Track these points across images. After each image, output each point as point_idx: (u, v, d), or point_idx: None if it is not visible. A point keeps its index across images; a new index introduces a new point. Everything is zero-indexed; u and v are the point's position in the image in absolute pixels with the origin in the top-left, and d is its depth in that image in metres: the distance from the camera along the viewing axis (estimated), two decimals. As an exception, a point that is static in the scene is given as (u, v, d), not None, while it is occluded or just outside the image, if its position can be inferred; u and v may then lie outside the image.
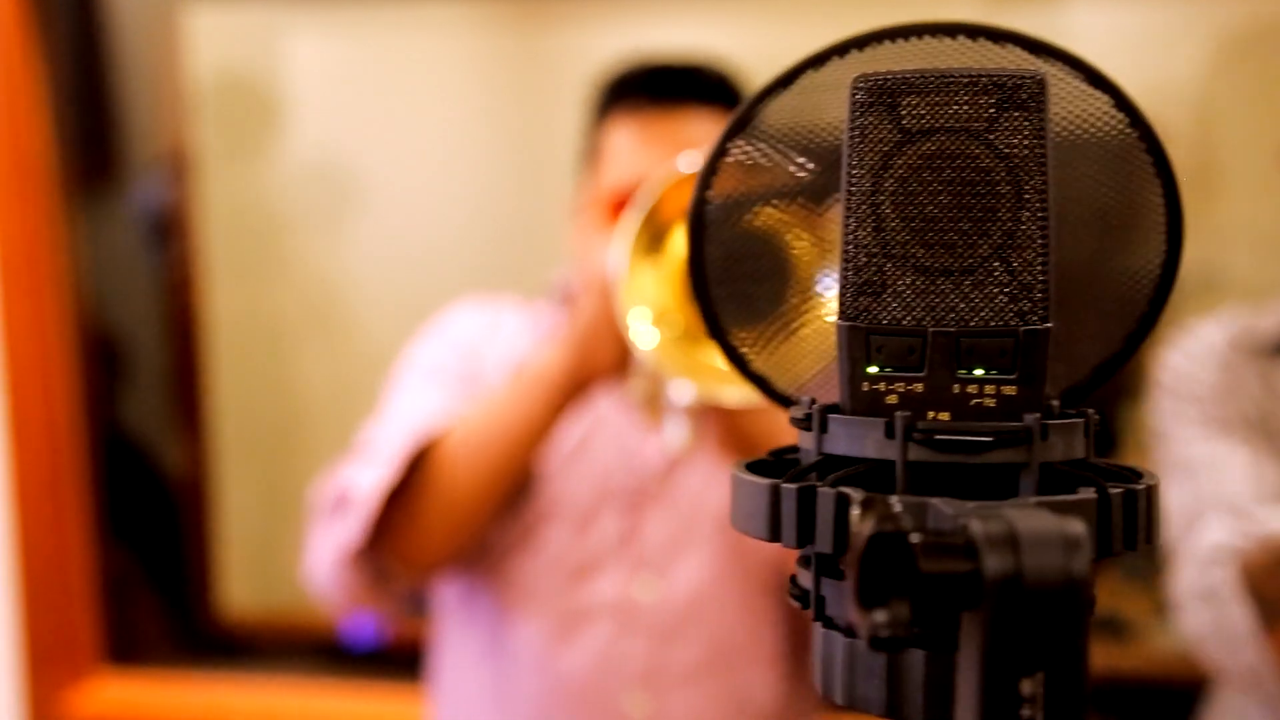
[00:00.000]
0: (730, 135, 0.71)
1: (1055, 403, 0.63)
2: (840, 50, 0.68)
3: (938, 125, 0.60)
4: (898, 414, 0.58)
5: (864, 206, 0.60)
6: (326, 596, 1.70)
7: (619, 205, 1.58)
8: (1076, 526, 0.47)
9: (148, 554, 3.20)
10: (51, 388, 2.72)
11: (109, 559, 2.93)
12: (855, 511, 0.50)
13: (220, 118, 3.03)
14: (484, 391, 1.67)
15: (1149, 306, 0.69)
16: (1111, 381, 0.70)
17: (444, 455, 1.58)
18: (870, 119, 0.60)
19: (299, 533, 1.73)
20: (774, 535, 0.60)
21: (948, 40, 0.67)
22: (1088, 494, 0.58)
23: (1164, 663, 2.46)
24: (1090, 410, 0.62)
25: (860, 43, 0.68)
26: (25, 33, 2.68)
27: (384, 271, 2.98)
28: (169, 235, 3.07)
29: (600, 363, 1.50)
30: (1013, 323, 0.59)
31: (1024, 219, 0.59)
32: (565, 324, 1.63)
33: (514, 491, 1.64)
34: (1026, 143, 0.59)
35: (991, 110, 0.60)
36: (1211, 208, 2.38)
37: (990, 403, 0.59)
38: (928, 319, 0.60)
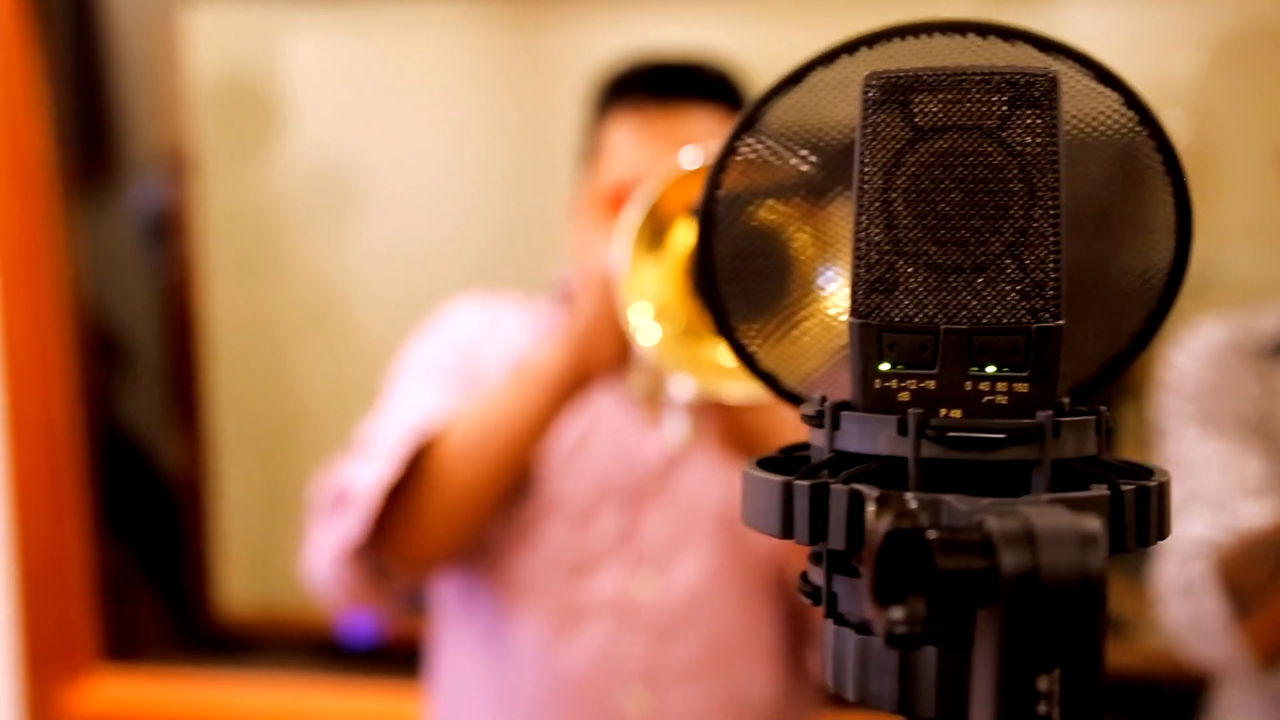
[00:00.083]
0: (740, 132, 0.71)
1: (1065, 400, 0.63)
2: (849, 48, 0.68)
3: (950, 123, 0.60)
4: (910, 411, 0.58)
5: (876, 204, 0.60)
6: (325, 594, 1.70)
7: (619, 202, 1.58)
8: (1092, 523, 0.47)
9: (146, 552, 3.20)
10: (50, 386, 2.71)
11: (107, 557, 2.93)
12: (871, 508, 0.50)
13: (219, 117, 3.02)
14: (483, 389, 1.67)
15: (1157, 304, 0.69)
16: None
17: (443, 452, 1.58)
18: (882, 116, 0.60)
19: (297, 531, 1.73)
20: (786, 532, 0.60)
21: (957, 38, 0.68)
22: (1100, 491, 0.58)
23: (1159, 659, 2.46)
24: (1102, 407, 0.62)
25: (870, 40, 0.68)
26: (24, 31, 2.67)
27: (383, 270, 2.98)
28: (167, 234, 3.06)
29: (600, 360, 1.50)
30: (1025, 320, 0.59)
31: (1036, 216, 0.59)
32: (565, 321, 1.63)
33: (513, 488, 1.64)
34: (1039, 140, 0.59)
35: (1004, 108, 0.60)
36: (1209, 207, 2.38)
37: (1002, 400, 0.59)
38: (940, 316, 0.60)
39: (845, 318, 0.70)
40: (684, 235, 1.36)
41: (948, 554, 0.47)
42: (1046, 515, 0.48)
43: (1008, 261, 0.59)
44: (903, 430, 0.58)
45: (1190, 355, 1.79)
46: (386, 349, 1.93)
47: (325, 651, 3.01)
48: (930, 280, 0.60)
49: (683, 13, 2.77)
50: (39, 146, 2.70)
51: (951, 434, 0.58)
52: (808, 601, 0.64)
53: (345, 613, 2.35)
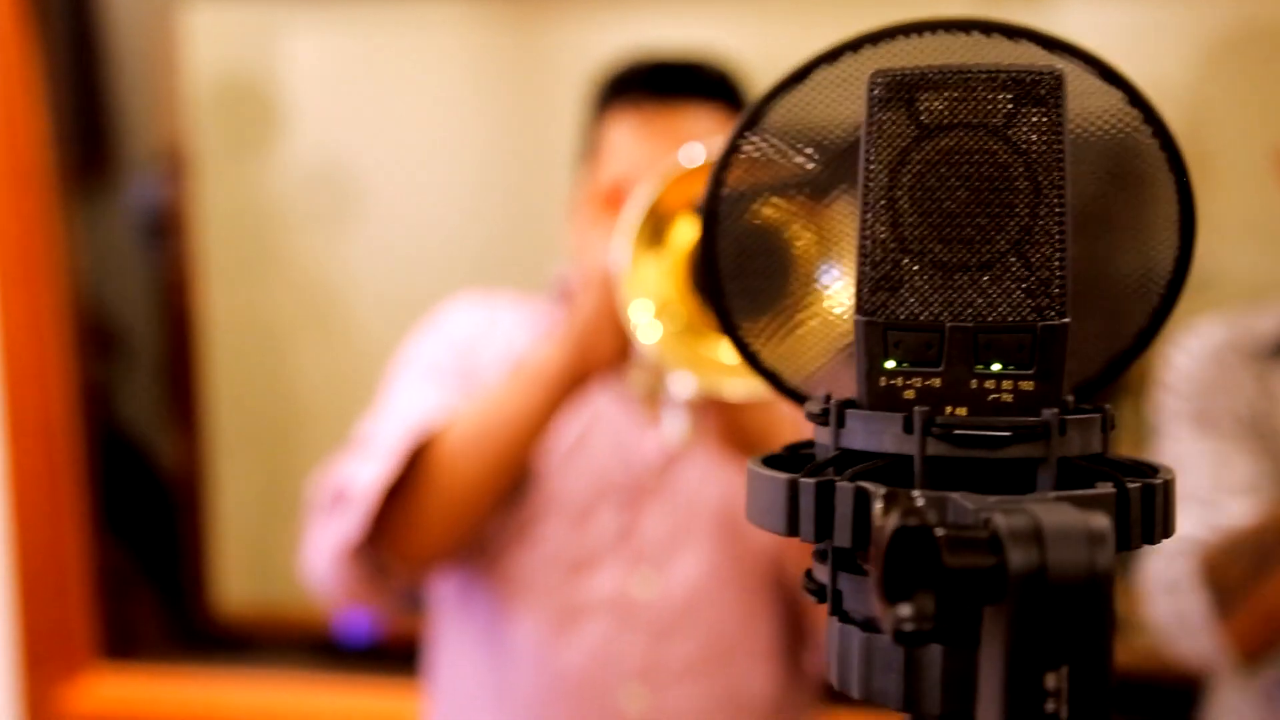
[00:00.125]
0: (743, 130, 0.71)
1: (1070, 398, 0.63)
2: (853, 46, 0.68)
3: (955, 121, 0.60)
4: (916, 409, 0.58)
5: (881, 202, 0.60)
6: (324, 592, 1.70)
7: (618, 200, 1.58)
8: (1101, 521, 0.48)
9: (144, 550, 3.19)
10: (48, 384, 2.71)
11: (106, 555, 2.93)
12: (878, 506, 0.50)
13: (218, 115, 3.02)
14: (482, 387, 1.67)
15: (1160, 303, 0.69)
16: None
17: (442, 451, 1.58)
18: (888, 114, 0.60)
19: (295, 529, 1.73)
20: (792, 530, 0.60)
21: (961, 36, 0.68)
22: (1106, 489, 0.58)
23: (1155, 657, 2.47)
24: (1107, 405, 0.63)
25: (874, 38, 0.68)
26: (22, 29, 2.67)
27: (381, 268, 2.97)
28: (165, 232, 3.06)
29: (599, 358, 1.50)
30: (1030, 318, 0.59)
31: (1041, 214, 0.59)
32: (564, 320, 1.63)
33: (512, 487, 1.64)
34: (1044, 138, 0.59)
35: (1009, 106, 0.60)
36: (1204, 206, 2.37)
37: (1008, 398, 0.59)
38: (945, 314, 0.60)
39: (846, 315, 0.70)
40: (684, 233, 1.36)
41: (955, 551, 0.47)
42: (1054, 513, 0.48)
43: (1013, 259, 0.59)
44: (908, 428, 0.58)
45: (1188, 355, 1.80)
46: (384, 347, 1.93)
47: (323, 650, 3.01)
48: (935, 278, 0.60)
49: (681, 11, 2.77)
50: (37, 144, 2.69)
51: (957, 432, 0.58)
52: (812, 599, 0.64)
53: (344, 611, 2.36)
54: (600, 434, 1.70)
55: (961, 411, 0.60)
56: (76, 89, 3.03)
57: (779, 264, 0.73)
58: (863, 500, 0.57)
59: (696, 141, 1.46)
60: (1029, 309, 0.59)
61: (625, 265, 1.36)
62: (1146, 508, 0.59)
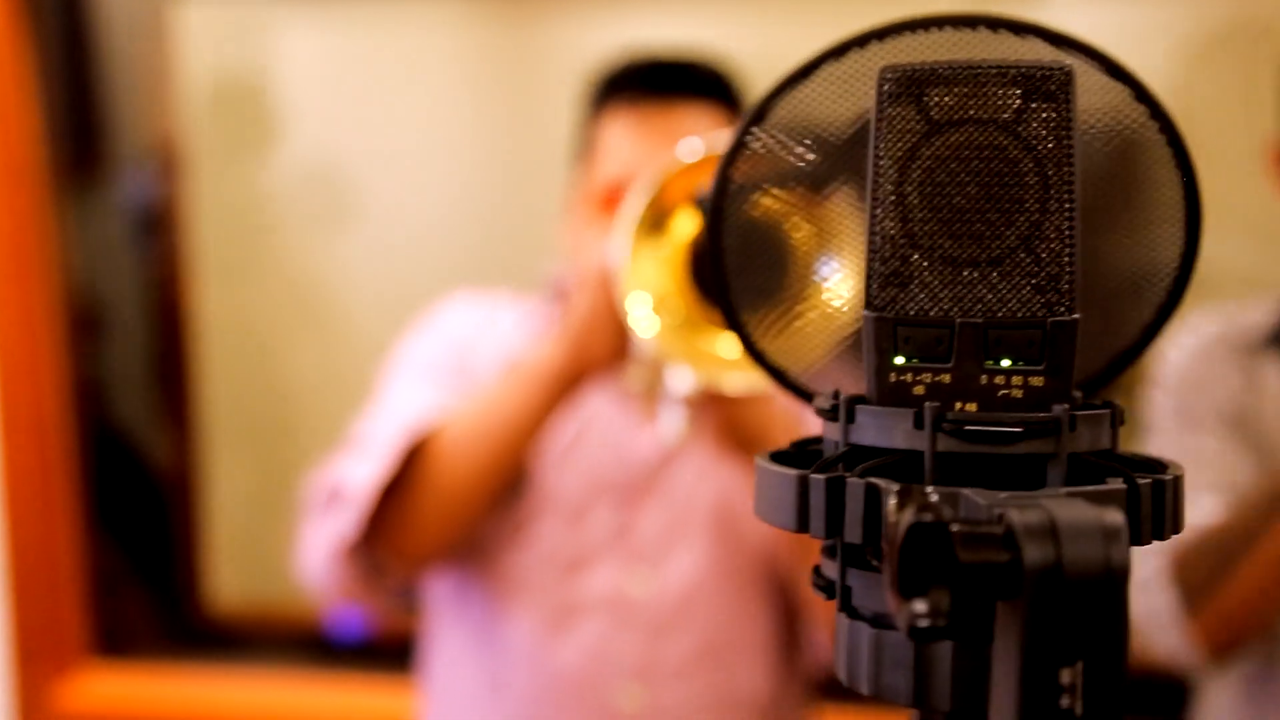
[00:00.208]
0: (749, 125, 0.71)
1: (1078, 394, 0.63)
2: (860, 42, 0.68)
3: (965, 116, 0.60)
4: (927, 404, 0.58)
5: (890, 197, 0.60)
6: (319, 590, 1.69)
7: (614, 200, 1.58)
8: (1115, 516, 0.47)
9: (136, 547, 3.19)
10: (41, 381, 2.71)
11: (98, 553, 2.92)
12: (892, 501, 0.50)
13: (211, 113, 3.01)
14: (477, 386, 1.67)
15: (1166, 298, 0.69)
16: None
17: (438, 449, 1.57)
18: (897, 110, 0.60)
19: (288, 526, 1.73)
20: (802, 526, 0.60)
21: (967, 32, 0.67)
22: (1117, 484, 0.58)
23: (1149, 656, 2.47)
24: (1116, 401, 0.63)
25: (880, 34, 0.68)
26: (14, 25, 2.66)
27: (374, 266, 2.97)
28: (158, 229, 3.05)
29: (595, 356, 1.50)
30: (1040, 314, 0.59)
31: (1051, 210, 0.59)
32: (560, 318, 1.63)
33: (507, 486, 1.64)
34: (1053, 134, 0.59)
35: (1019, 102, 0.60)
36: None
37: (1018, 394, 0.59)
38: (955, 310, 0.60)
39: (849, 309, 0.70)
40: (683, 227, 1.36)
41: (970, 547, 0.47)
42: (1069, 508, 0.48)
43: (1022, 255, 0.59)
44: (919, 424, 0.58)
45: (1179, 349, 1.80)
46: (377, 345, 1.92)
47: (315, 647, 3.00)
48: (945, 274, 0.60)
49: (676, 9, 2.77)
50: (30, 141, 2.69)
51: (968, 427, 0.58)
52: (820, 595, 0.64)
53: (338, 609, 2.35)
54: (596, 432, 1.70)
55: (971, 407, 0.60)
56: (69, 85, 3.02)
57: (784, 259, 0.73)
58: (873, 496, 0.57)
59: (688, 138, 1.45)
60: (1038, 305, 0.59)
61: (624, 259, 1.36)
62: (1157, 504, 0.59)
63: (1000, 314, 0.59)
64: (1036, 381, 0.59)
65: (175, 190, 3.01)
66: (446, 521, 1.60)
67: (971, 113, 0.60)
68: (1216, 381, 1.77)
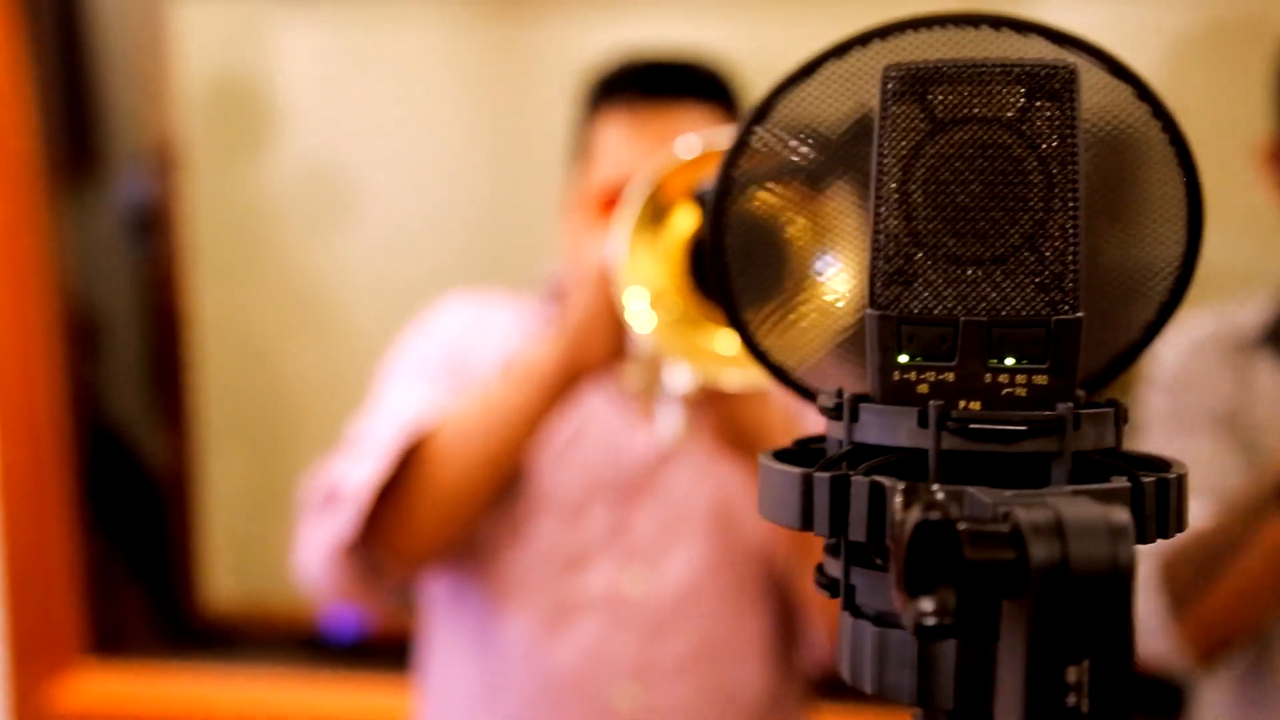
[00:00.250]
0: (752, 124, 0.71)
1: (1081, 392, 0.63)
2: (862, 40, 0.68)
3: (969, 115, 0.60)
4: (931, 403, 0.58)
5: (894, 195, 0.60)
6: (317, 591, 1.69)
7: (610, 202, 1.58)
8: (1121, 514, 0.47)
9: (131, 546, 3.19)
10: (35, 380, 2.70)
11: (93, 552, 2.92)
12: (898, 500, 0.50)
13: (208, 112, 3.01)
14: (474, 386, 1.66)
15: (1169, 296, 0.69)
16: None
17: (435, 450, 1.57)
18: (901, 108, 0.60)
19: (283, 526, 1.73)
20: (806, 524, 0.60)
21: (970, 30, 0.67)
22: (1121, 483, 0.58)
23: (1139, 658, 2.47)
24: (1120, 400, 0.63)
25: (882, 33, 0.68)
26: (10, 23, 2.66)
27: (370, 266, 2.97)
28: (153, 229, 3.05)
29: (593, 356, 1.50)
30: (1044, 312, 0.59)
31: (1055, 208, 0.59)
32: (557, 318, 1.63)
33: (505, 485, 1.64)
34: (1057, 132, 0.59)
35: (1023, 100, 0.60)
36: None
37: (1021, 392, 0.59)
38: (959, 308, 0.60)
39: (850, 308, 0.70)
40: (681, 225, 1.36)
41: (977, 545, 0.47)
42: (1075, 506, 0.48)
43: (1026, 253, 0.59)
44: (923, 422, 0.58)
45: (1173, 348, 1.80)
46: (373, 344, 1.92)
47: (310, 646, 3.00)
48: (949, 272, 0.60)
49: (671, 10, 2.77)
50: (25, 140, 2.68)
51: (973, 426, 0.58)
52: (824, 593, 0.64)
53: (335, 609, 2.35)
54: (592, 432, 1.70)
55: (975, 406, 0.60)
56: (65, 84, 3.02)
57: (786, 257, 0.73)
58: (878, 495, 0.57)
59: (686, 136, 1.45)
60: (1042, 303, 0.59)
61: (622, 257, 1.36)
62: (1161, 502, 0.59)
63: (1004, 312, 0.59)
64: (1040, 380, 0.59)
65: (171, 190, 3.01)
66: (444, 521, 1.60)
67: (975, 111, 0.60)
68: (1209, 381, 1.77)
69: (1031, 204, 0.59)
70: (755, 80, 1.77)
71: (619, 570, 1.68)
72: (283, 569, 1.70)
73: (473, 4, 2.94)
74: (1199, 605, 1.64)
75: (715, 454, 1.59)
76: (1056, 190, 0.59)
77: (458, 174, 2.93)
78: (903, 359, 0.60)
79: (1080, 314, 0.59)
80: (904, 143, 0.60)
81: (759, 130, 0.70)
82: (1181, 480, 0.60)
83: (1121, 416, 0.62)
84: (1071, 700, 0.47)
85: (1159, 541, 1.65)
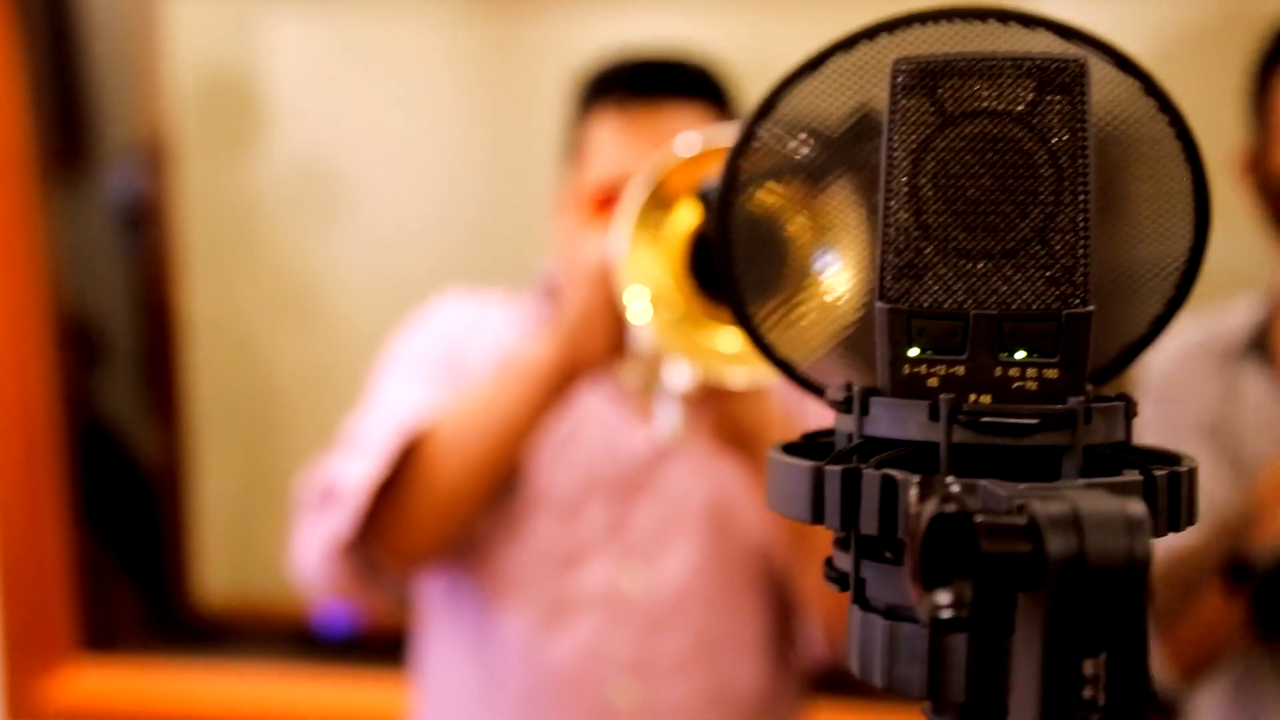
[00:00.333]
0: (757, 119, 0.70)
1: (1090, 386, 0.63)
2: (869, 34, 0.68)
3: (979, 108, 0.60)
4: (942, 396, 0.58)
5: (904, 189, 0.60)
6: (314, 589, 1.69)
7: (603, 200, 1.58)
8: (1138, 507, 0.47)
9: (124, 542, 3.18)
10: (27, 376, 2.70)
11: (85, 548, 2.91)
12: (913, 492, 0.50)
13: (199, 107, 3.00)
14: (471, 384, 1.66)
15: (1175, 290, 0.69)
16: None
17: (433, 448, 1.57)
18: (911, 101, 0.60)
19: (275, 520, 1.72)
20: (816, 518, 0.60)
21: (977, 24, 0.67)
22: (1133, 476, 0.58)
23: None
24: (1129, 394, 0.63)
25: (890, 26, 0.68)
26: (0, 19, 2.65)
27: (362, 261, 2.96)
28: (144, 224, 3.04)
29: (590, 354, 1.50)
30: (1054, 306, 0.59)
31: (1065, 202, 0.59)
32: (553, 316, 1.63)
33: (502, 483, 1.63)
34: (1068, 126, 0.59)
35: (1032, 94, 0.60)
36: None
37: (1032, 386, 0.59)
38: (969, 302, 0.60)
39: (856, 301, 0.70)
40: (681, 222, 1.36)
41: (993, 538, 0.47)
42: (1091, 499, 0.48)
43: (1037, 247, 0.59)
44: (934, 415, 0.58)
45: (1161, 356, 1.80)
46: (365, 340, 1.92)
47: (302, 641, 3.00)
48: (959, 265, 0.60)
49: (663, 8, 2.77)
50: (15, 135, 2.67)
51: (984, 419, 0.58)
52: (833, 587, 0.64)
53: (328, 605, 2.34)
54: (589, 429, 1.70)
55: (985, 399, 0.59)
56: (55, 79, 3.01)
57: (793, 252, 0.73)
58: (889, 488, 0.57)
59: (685, 133, 1.45)
60: (1053, 297, 0.59)
61: (623, 255, 1.36)
62: (1172, 495, 0.59)
63: (1014, 306, 0.59)
64: (1051, 374, 0.59)
65: (162, 185, 3.00)
66: (441, 519, 1.60)
67: (985, 105, 0.60)
68: (1196, 391, 1.77)
69: (1042, 197, 0.59)
70: (747, 78, 1.77)
71: (617, 567, 1.68)
72: (275, 565, 1.70)
73: (464, 0, 2.94)
74: (1182, 625, 1.63)
75: (713, 452, 1.58)
76: (1067, 184, 0.59)
77: (451, 170, 2.93)
78: (913, 352, 0.60)
79: (1091, 308, 0.59)
80: (914, 136, 0.60)
81: (765, 125, 0.70)
82: (1193, 474, 0.60)
83: (1131, 411, 0.62)
84: (1088, 693, 0.47)
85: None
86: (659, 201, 1.34)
